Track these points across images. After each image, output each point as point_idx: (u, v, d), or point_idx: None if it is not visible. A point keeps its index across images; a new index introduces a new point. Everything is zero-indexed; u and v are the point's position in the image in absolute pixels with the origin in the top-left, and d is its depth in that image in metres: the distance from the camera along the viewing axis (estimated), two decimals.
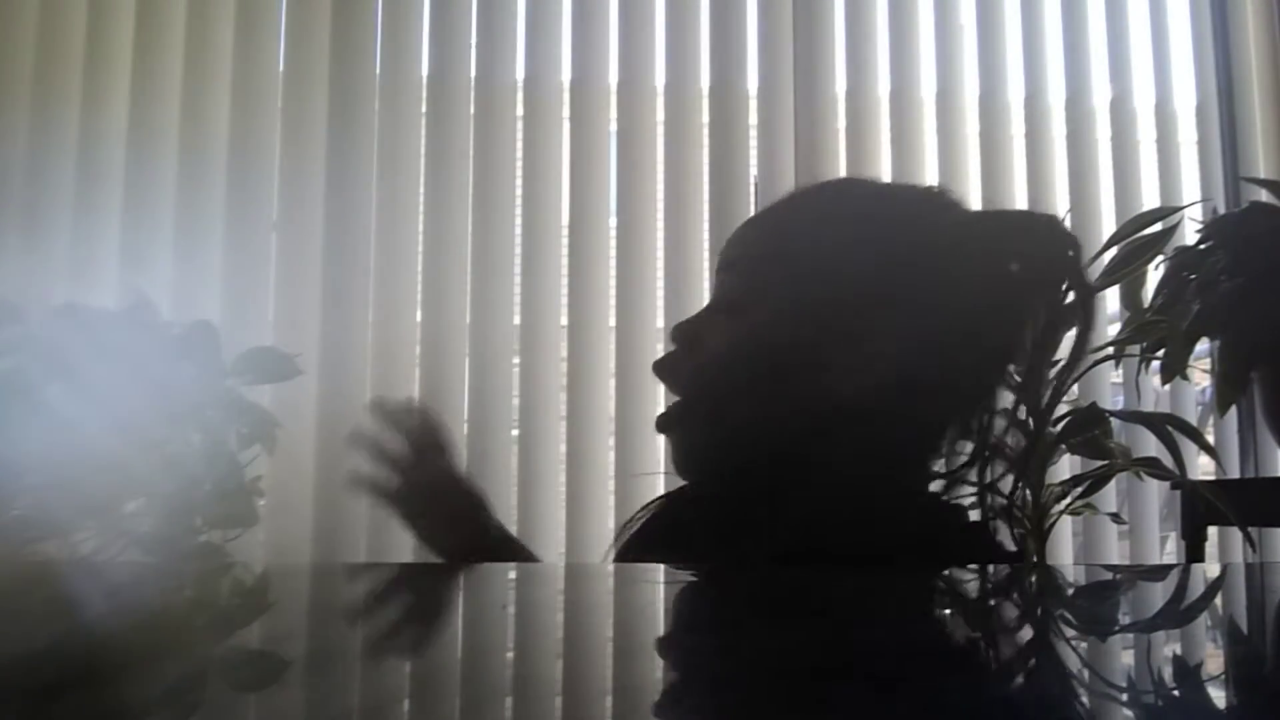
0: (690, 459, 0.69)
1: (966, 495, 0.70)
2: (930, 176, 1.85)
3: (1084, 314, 0.66)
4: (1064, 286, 0.66)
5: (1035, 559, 1.34)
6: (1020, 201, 1.86)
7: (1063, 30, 1.92)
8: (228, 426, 1.07)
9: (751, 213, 1.81)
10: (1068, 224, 1.82)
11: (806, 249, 0.67)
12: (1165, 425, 1.30)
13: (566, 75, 1.82)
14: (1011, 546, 0.71)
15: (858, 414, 0.64)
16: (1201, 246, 1.23)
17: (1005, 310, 0.66)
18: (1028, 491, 1.34)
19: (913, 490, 0.69)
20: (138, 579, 0.58)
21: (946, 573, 0.55)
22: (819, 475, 0.64)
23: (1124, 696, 0.27)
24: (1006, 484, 0.71)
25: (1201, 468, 1.72)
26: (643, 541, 0.71)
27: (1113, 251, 1.37)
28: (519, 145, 1.79)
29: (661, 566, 0.59)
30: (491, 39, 1.79)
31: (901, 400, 0.63)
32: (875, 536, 0.61)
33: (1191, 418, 1.79)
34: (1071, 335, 0.68)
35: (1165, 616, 0.42)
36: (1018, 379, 0.68)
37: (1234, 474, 1.82)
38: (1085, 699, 0.27)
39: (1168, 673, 0.31)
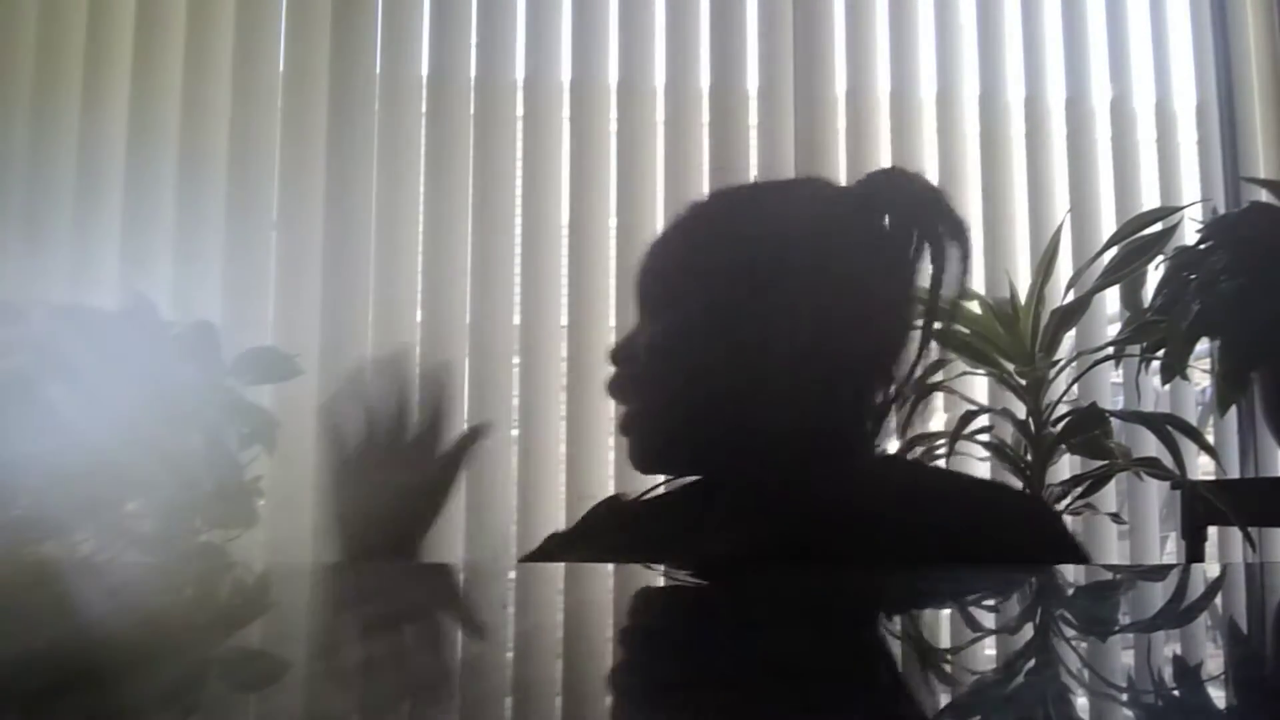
0: (646, 458, 0.73)
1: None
2: (931, 176, 1.84)
3: (959, 246, 0.70)
4: (933, 223, 0.71)
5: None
6: (1020, 202, 1.86)
7: (1063, 30, 1.92)
8: (228, 426, 1.06)
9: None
10: (1067, 224, 1.82)
11: (699, 248, 0.72)
12: (1165, 425, 1.30)
13: (566, 75, 1.81)
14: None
15: (787, 387, 0.67)
16: (1201, 246, 1.23)
17: (891, 260, 0.70)
18: (1029, 492, 1.34)
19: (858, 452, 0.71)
20: (138, 579, 0.58)
21: (946, 573, 0.55)
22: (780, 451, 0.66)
23: (1124, 696, 0.27)
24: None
25: (1201, 468, 1.72)
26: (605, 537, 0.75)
27: (1113, 252, 1.37)
28: (519, 145, 1.79)
29: (662, 567, 0.59)
30: (491, 39, 1.79)
31: (821, 363, 0.67)
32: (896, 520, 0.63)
33: (1191, 418, 1.79)
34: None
35: (1165, 616, 0.42)
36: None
37: (1234, 474, 1.82)
38: (1085, 699, 0.27)
39: (1168, 673, 0.31)
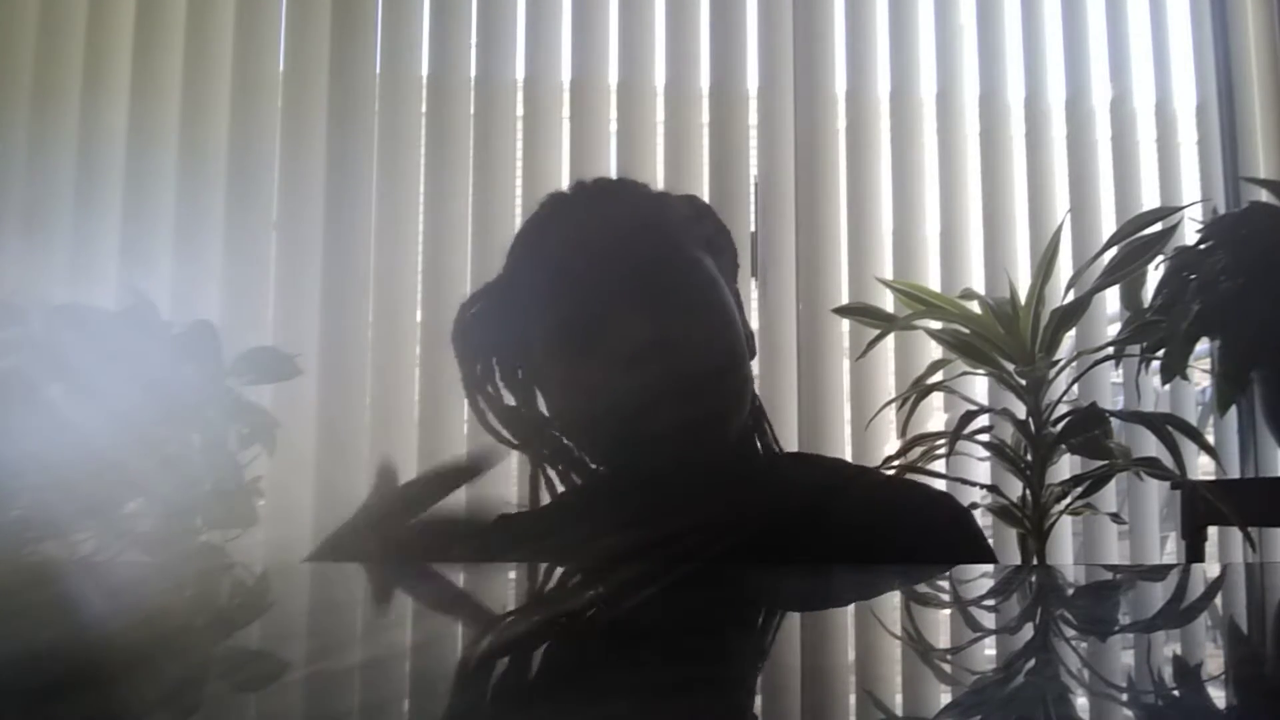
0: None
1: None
2: (930, 176, 1.85)
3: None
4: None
5: (1036, 559, 1.34)
6: (1020, 202, 1.86)
7: (1063, 30, 1.92)
8: (228, 426, 1.06)
9: (751, 213, 1.82)
10: (1067, 224, 1.82)
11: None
12: (1165, 425, 1.30)
13: (566, 75, 1.82)
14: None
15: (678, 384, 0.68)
16: (1201, 246, 1.23)
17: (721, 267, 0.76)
18: (1029, 492, 1.35)
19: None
20: (138, 579, 0.58)
21: (947, 571, 0.55)
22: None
23: (1124, 696, 0.27)
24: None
25: (1201, 468, 1.72)
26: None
27: (1113, 252, 1.37)
28: (519, 145, 1.79)
29: (660, 565, 0.59)
30: (491, 39, 1.79)
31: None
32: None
33: (1191, 418, 1.79)
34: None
35: (1165, 616, 0.42)
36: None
37: (1234, 474, 1.82)
38: (1085, 699, 0.27)
39: (1168, 673, 0.31)
